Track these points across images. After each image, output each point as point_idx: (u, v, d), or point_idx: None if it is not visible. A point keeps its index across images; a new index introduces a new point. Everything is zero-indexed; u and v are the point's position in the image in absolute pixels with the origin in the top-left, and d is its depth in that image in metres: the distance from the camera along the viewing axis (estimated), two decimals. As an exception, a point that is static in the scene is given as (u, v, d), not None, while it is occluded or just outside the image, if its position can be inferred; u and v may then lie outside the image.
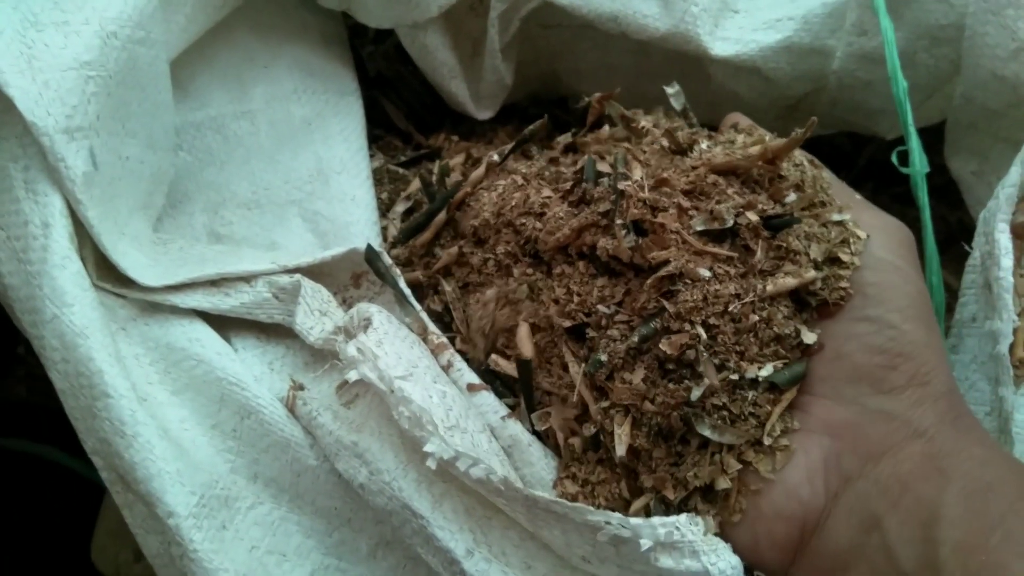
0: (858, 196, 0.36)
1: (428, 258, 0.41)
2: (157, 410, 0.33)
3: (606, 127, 0.41)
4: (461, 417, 0.31)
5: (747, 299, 0.32)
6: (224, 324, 0.36)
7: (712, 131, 0.39)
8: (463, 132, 0.52)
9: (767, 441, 0.32)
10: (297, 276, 0.35)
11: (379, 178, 0.47)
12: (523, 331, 0.34)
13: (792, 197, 0.34)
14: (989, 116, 0.41)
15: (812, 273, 0.32)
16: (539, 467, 0.33)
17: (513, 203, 0.37)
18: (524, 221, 0.36)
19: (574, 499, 0.32)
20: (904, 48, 0.41)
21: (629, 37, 0.44)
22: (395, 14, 0.44)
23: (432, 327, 0.36)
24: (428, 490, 0.31)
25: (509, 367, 0.35)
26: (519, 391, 0.35)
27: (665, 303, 0.32)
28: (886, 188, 0.54)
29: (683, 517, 0.30)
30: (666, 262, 0.32)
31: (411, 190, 0.46)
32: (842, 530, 0.30)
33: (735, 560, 0.30)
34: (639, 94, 0.44)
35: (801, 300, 0.33)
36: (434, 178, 0.43)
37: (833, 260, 0.33)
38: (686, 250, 0.32)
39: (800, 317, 0.33)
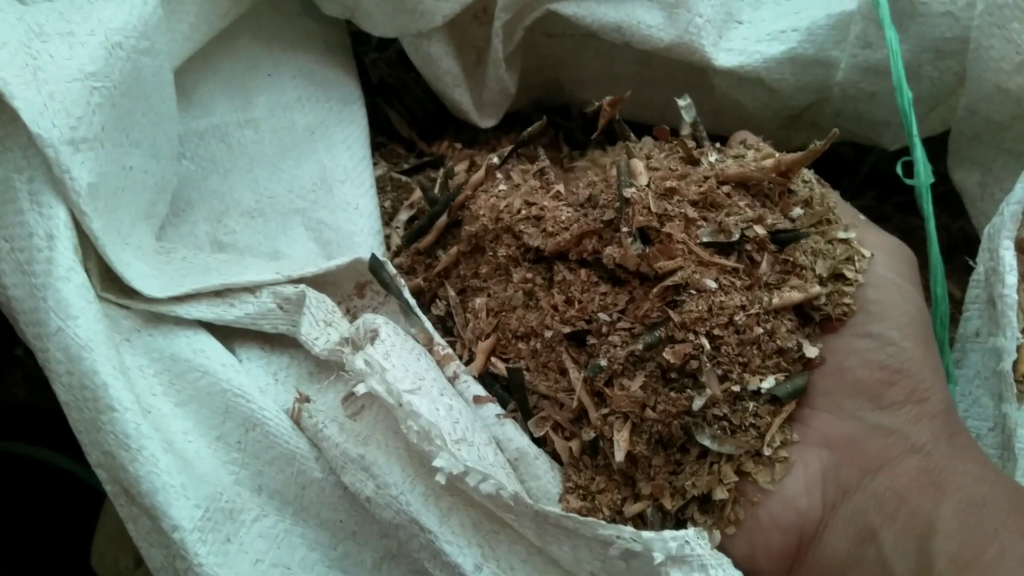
0: (862, 216, 0.36)
1: (430, 260, 0.41)
2: (161, 422, 0.33)
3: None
4: (468, 430, 0.31)
5: (752, 311, 0.32)
6: (228, 335, 0.36)
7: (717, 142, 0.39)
8: (466, 140, 0.52)
9: (767, 452, 0.32)
10: (302, 286, 0.35)
11: (382, 186, 0.47)
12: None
13: (799, 212, 0.34)
14: (993, 128, 0.42)
15: (817, 288, 0.32)
16: (545, 480, 0.33)
17: (513, 207, 0.36)
18: (523, 226, 0.36)
19: (580, 514, 0.32)
20: (909, 60, 0.41)
21: (633, 47, 0.44)
22: (399, 23, 0.44)
23: (438, 338, 0.36)
24: (435, 504, 0.31)
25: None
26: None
27: (670, 312, 0.32)
28: (888, 197, 0.55)
29: (691, 531, 0.30)
30: (673, 272, 0.32)
31: (414, 198, 0.46)
32: (839, 542, 0.30)
33: (739, 575, 0.30)
34: (642, 103, 0.44)
35: (805, 314, 0.33)
36: (438, 184, 0.43)
37: (838, 276, 0.33)
38: (692, 260, 0.32)
39: (803, 331, 0.33)
